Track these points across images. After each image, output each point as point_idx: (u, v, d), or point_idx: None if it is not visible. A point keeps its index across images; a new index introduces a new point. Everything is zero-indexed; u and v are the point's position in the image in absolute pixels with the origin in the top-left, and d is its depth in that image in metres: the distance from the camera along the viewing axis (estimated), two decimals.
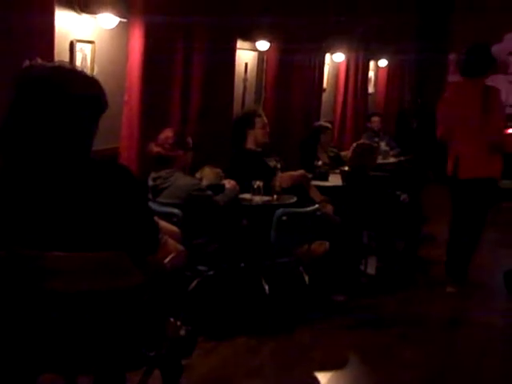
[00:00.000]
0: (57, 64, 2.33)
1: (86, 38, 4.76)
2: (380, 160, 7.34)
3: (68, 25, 4.60)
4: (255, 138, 5.56)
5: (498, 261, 7.05)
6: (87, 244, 2.19)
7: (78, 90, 2.22)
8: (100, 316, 2.23)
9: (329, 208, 5.62)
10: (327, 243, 5.16)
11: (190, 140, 4.82)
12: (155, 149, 4.66)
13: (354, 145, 6.49)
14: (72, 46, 4.63)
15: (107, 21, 4.76)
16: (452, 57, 12.70)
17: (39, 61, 2.33)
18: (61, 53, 4.44)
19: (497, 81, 11.99)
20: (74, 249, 2.18)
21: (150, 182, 4.66)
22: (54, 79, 2.22)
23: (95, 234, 2.19)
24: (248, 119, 5.58)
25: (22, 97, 2.21)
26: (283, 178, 5.45)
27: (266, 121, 5.69)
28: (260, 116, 5.66)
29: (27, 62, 2.33)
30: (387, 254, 6.25)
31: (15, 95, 2.22)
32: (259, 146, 5.59)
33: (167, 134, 4.72)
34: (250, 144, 5.54)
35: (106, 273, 2.20)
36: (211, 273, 4.78)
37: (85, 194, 2.19)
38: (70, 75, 2.27)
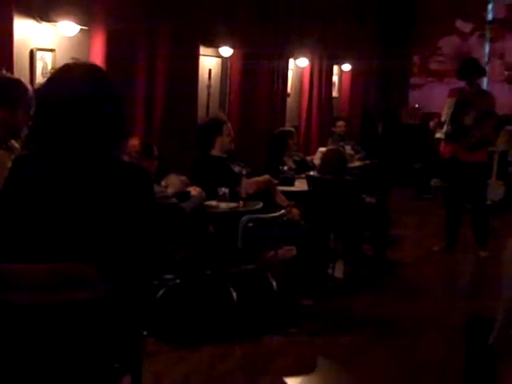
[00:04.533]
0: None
1: (46, 46, 4.72)
2: None
3: (28, 33, 4.56)
4: (222, 144, 5.55)
5: (463, 263, 7.14)
6: (72, 253, 2.15)
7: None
8: (63, 329, 2.19)
9: (295, 213, 5.62)
10: (294, 248, 5.16)
11: (155, 149, 4.79)
12: (121, 157, 4.61)
13: (323, 150, 6.51)
14: (32, 54, 4.59)
15: (68, 29, 4.73)
16: (415, 60, 12.86)
17: (4, 72, 2.31)
18: (21, 61, 4.39)
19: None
20: (57, 258, 2.14)
21: None
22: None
23: (94, 242, 2.15)
24: (216, 126, 5.56)
25: None
26: (249, 184, 5.44)
27: (230, 127, 5.69)
28: (226, 122, 5.66)
29: None
30: (354, 257, 6.27)
31: None
32: (225, 153, 5.58)
33: (133, 142, 4.69)
34: (217, 151, 5.53)
35: (70, 284, 2.17)
36: (178, 281, 4.75)
37: (92, 196, 2.15)
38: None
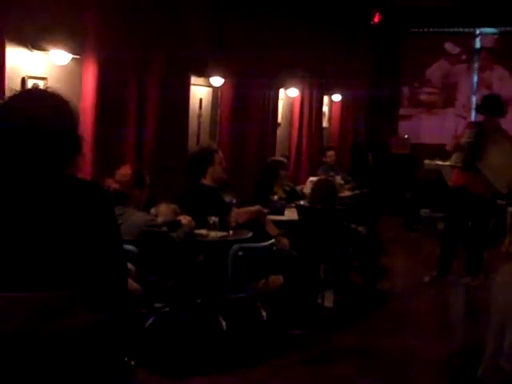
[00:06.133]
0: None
1: (38, 74, 4.74)
2: None
3: (20, 61, 4.57)
4: (214, 173, 5.54)
5: (453, 293, 7.13)
6: (43, 282, 2.11)
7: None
8: (47, 360, 2.16)
9: (285, 242, 5.61)
10: (283, 277, 5.15)
11: (147, 178, 4.78)
12: (113, 185, 4.59)
13: (314, 180, 6.52)
14: (24, 82, 4.60)
15: (60, 57, 4.75)
16: (405, 91, 12.98)
17: None
18: (12, 89, 4.39)
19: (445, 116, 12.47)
20: (25, 288, 2.10)
21: None
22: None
23: (57, 270, 2.11)
24: (208, 155, 5.55)
25: None
26: (239, 214, 5.43)
27: (222, 156, 5.69)
28: (217, 152, 5.66)
29: None
30: (344, 286, 6.26)
31: None
32: (216, 182, 5.57)
33: (126, 170, 4.67)
34: (208, 180, 5.52)
35: (48, 314, 2.13)
36: (167, 309, 4.72)
37: (52, 221, 2.12)
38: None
